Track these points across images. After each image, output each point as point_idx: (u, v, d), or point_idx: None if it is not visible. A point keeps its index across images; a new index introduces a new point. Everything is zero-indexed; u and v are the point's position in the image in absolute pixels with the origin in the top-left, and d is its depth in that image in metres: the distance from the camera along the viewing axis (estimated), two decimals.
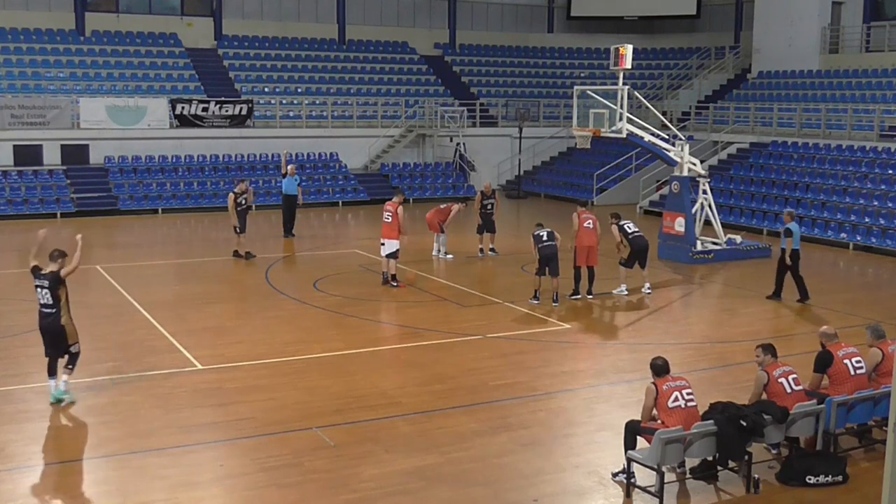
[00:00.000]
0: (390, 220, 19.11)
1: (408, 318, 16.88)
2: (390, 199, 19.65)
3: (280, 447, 10.67)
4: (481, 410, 12.00)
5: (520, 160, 37.94)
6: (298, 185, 26.15)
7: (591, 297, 18.67)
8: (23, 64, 35.11)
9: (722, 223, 24.23)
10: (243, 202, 22.73)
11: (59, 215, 29.71)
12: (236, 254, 22.53)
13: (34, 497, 9.41)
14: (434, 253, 22.80)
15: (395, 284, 19.16)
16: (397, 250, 19.19)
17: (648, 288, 19.31)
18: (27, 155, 31.70)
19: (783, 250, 18.26)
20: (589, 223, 18.67)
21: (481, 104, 40.45)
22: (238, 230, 22.49)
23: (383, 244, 19.25)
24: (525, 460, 10.39)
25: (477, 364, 14.11)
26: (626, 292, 18.96)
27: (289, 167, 26.42)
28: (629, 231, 18.97)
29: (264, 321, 16.61)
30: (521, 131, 37.55)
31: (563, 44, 46.78)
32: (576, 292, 18.57)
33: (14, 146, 31.58)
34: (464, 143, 37.56)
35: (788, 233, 18.19)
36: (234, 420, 11.55)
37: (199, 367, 13.72)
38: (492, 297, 18.57)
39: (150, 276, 20.84)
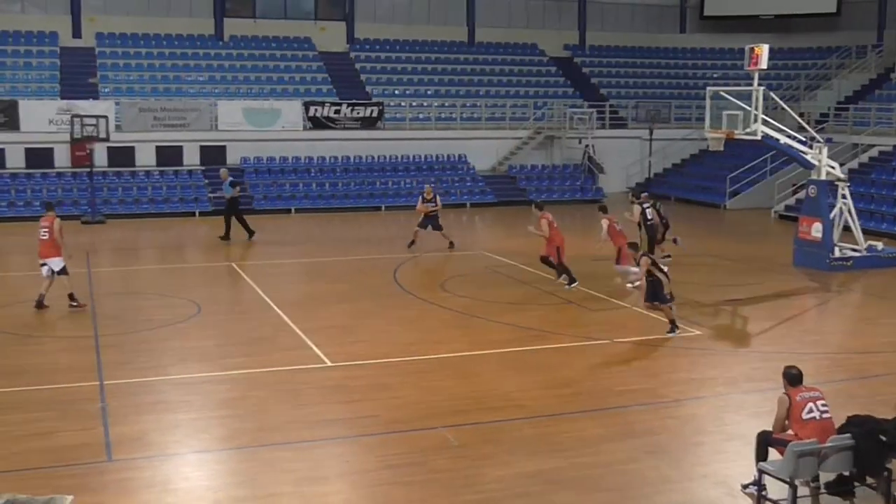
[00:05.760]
0: (47, 236, 17.10)
1: (533, 320, 16.79)
2: (44, 215, 17.63)
3: (404, 445, 10.76)
4: (607, 416, 11.84)
5: (650, 162, 37.34)
6: (234, 186, 26.08)
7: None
8: (165, 68, 36.56)
9: (862, 229, 23.27)
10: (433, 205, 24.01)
11: (196, 214, 30.76)
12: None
13: (170, 485, 9.75)
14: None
15: (74, 304, 17.22)
16: (65, 266, 17.23)
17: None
18: (169, 155, 33.01)
19: None
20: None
21: (611, 106, 40.00)
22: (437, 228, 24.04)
23: (44, 264, 17.15)
24: (651, 468, 10.20)
25: (603, 369, 13.95)
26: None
27: (221, 171, 27.00)
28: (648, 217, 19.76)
29: (391, 320, 16.79)
30: (651, 133, 36.96)
31: (695, 44, 45.83)
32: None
33: (157, 147, 32.93)
34: (593, 145, 37.22)
35: None
36: (360, 417, 11.71)
37: (328, 363, 13.96)
38: (620, 301, 18.32)
39: (282, 274, 21.36)
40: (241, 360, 14.12)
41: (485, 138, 37.15)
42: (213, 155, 33.53)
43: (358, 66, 39.91)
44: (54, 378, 13.09)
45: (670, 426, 11.57)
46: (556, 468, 10.12)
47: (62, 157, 31.93)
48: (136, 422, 11.44)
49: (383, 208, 32.92)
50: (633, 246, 15.74)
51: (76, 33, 37.38)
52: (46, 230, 17.14)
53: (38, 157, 31.78)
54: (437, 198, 24.23)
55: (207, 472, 10.23)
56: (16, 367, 13.75)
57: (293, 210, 32.17)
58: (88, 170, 29.90)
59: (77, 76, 35.32)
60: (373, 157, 35.29)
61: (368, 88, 38.37)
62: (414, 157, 35.78)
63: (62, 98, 33.17)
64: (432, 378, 13.40)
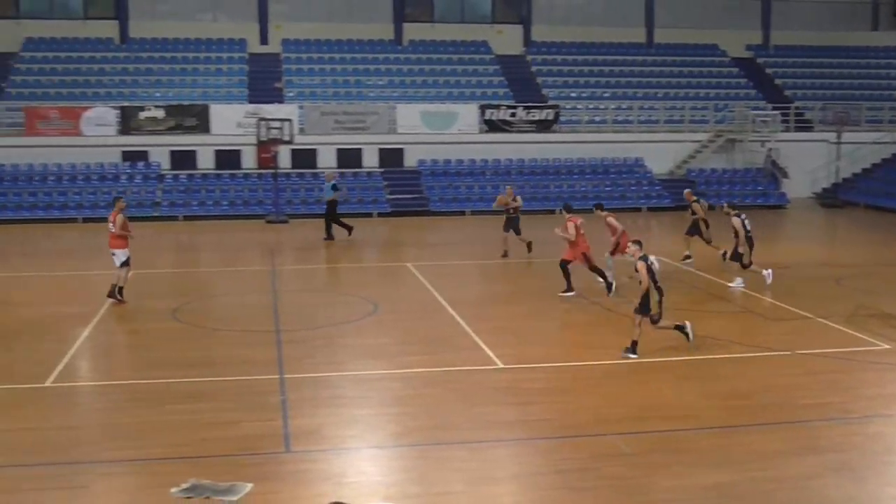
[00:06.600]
0: (114, 230, 17.99)
1: (710, 328, 16.30)
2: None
3: (575, 450, 10.67)
4: (787, 429, 11.37)
5: (838, 167, 35.71)
6: (336, 189, 26.43)
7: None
8: (346, 73, 37.72)
9: None
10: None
11: (375, 214, 31.49)
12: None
13: (345, 478, 10.01)
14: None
15: (117, 298, 17.86)
16: (129, 259, 18.05)
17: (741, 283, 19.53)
18: (349, 158, 33.97)
19: None
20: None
21: (796, 108, 38.47)
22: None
23: (114, 254, 18.04)
24: (835, 485, 9.72)
25: (784, 381, 13.40)
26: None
27: (327, 172, 27.28)
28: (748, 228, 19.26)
29: (563, 324, 16.72)
30: (839, 136, 35.34)
31: (889, 42, 43.50)
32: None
33: (337, 150, 33.96)
34: (776, 149, 35.92)
35: None
36: (532, 420, 11.70)
37: (500, 365, 14.00)
38: (802, 311, 17.55)
39: (455, 275, 21.58)
40: (414, 359, 14.35)
41: (663, 141, 36.43)
42: (391, 157, 34.32)
43: (534, 68, 39.94)
44: (239, 370, 13.66)
45: (857, 443, 11.00)
46: (732, 481, 9.79)
47: (249, 159, 33.44)
48: (314, 415, 11.81)
49: (558, 211, 32.74)
50: (637, 243, 14.98)
51: (263, 40, 39.08)
52: (113, 224, 18.14)
53: (227, 158, 33.40)
54: (519, 198, 23.43)
55: (381, 468, 10.44)
56: (204, 358, 14.45)
57: (468, 212, 32.49)
58: (273, 171, 31.13)
59: (264, 81, 36.89)
60: (548, 160, 35.21)
61: (544, 91, 38.33)
62: (590, 159, 35.47)
63: (250, 102, 34.74)
64: (605, 384, 13.24)
